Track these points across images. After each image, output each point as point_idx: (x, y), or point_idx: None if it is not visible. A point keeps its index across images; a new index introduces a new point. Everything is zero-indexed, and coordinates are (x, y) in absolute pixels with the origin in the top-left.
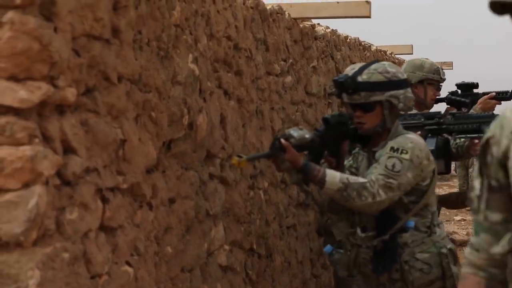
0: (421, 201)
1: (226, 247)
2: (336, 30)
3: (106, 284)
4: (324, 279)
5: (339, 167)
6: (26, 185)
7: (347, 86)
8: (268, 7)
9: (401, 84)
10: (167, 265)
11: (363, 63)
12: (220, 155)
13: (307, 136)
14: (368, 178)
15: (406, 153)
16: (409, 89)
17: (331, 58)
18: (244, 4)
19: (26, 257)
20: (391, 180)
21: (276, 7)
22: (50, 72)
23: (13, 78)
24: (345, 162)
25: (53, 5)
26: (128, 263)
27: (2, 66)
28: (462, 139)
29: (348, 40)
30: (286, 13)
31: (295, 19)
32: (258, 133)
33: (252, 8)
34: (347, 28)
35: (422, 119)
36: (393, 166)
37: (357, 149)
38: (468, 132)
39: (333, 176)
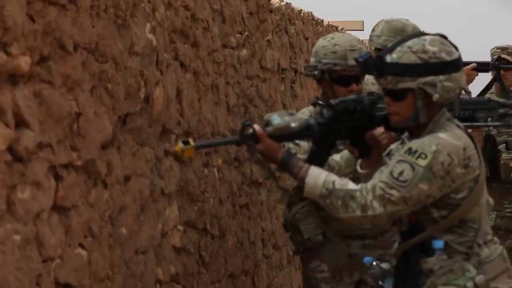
0: (453, 215)
1: (180, 227)
2: (290, 3)
3: (58, 268)
4: (275, 260)
5: (365, 159)
6: None
7: (370, 66)
8: None
9: (442, 68)
10: (121, 247)
11: (400, 36)
12: (175, 131)
13: (293, 124)
14: (363, 185)
15: (424, 158)
16: (455, 75)
17: (285, 32)
18: None
19: None
20: (392, 192)
21: None
22: (2, 38)
23: None
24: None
25: None
26: (81, 246)
27: None
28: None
29: (302, 14)
30: None
31: None
32: (213, 108)
33: None
34: (300, 1)
35: None
36: (401, 173)
37: (404, 136)
38: (460, 120)
39: (315, 177)
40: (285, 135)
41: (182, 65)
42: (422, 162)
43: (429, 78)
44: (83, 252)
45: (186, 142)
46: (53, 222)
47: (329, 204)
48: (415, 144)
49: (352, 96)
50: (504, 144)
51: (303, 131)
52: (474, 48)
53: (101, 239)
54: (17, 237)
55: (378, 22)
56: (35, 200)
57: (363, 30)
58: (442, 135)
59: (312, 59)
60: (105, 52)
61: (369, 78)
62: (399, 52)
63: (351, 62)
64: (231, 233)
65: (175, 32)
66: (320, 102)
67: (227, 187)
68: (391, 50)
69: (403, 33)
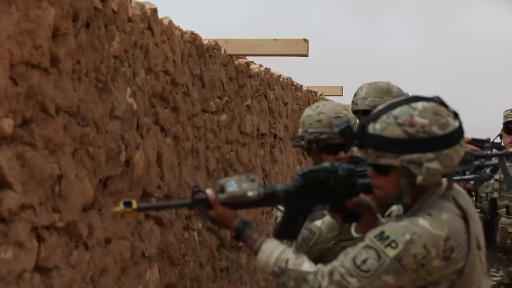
0: None
1: None
2: (269, 69)
3: None
4: None
5: (360, 222)
6: None
7: (348, 137)
8: (204, 42)
9: (431, 144)
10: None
11: (391, 99)
12: (156, 194)
13: (250, 193)
14: (320, 267)
15: (394, 248)
16: (447, 152)
17: (264, 97)
18: (182, 38)
19: None
20: (352, 280)
21: (213, 43)
22: None
23: None
24: None
25: None
26: None
27: None
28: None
29: (281, 79)
30: (222, 49)
31: (231, 55)
32: (193, 173)
33: (189, 42)
34: (280, 66)
35: None
36: (364, 261)
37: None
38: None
39: (268, 254)
40: (241, 203)
41: (162, 129)
42: (391, 252)
43: (414, 156)
44: None
45: (128, 204)
46: (35, 283)
47: (282, 284)
48: (389, 228)
49: (325, 165)
50: (505, 209)
51: (266, 199)
52: None
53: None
54: None
55: (361, 86)
56: (18, 260)
57: (342, 95)
58: (421, 221)
59: (299, 130)
60: (86, 116)
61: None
62: (383, 122)
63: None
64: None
65: (155, 97)
66: None
67: (207, 251)
68: (375, 118)
69: (390, 93)
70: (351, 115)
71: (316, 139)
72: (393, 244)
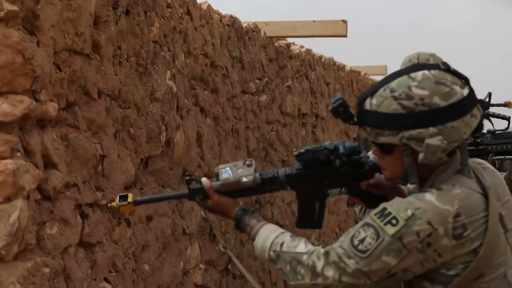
0: None
1: (202, 266)
2: (310, 50)
3: None
4: None
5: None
6: (8, 199)
7: (342, 115)
8: (244, 25)
9: (433, 117)
10: (144, 283)
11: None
12: (196, 174)
13: (245, 179)
14: (316, 248)
15: (395, 224)
16: (453, 124)
17: (305, 78)
18: (220, 21)
19: (7, 271)
20: (349, 262)
21: (252, 25)
22: (32, 86)
23: None
24: None
25: (36, 19)
26: (106, 280)
27: None
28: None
29: (323, 60)
30: (262, 31)
31: (270, 37)
32: (233, 152)
33: (228, 25)
34: (322, 47)
35: None
36: (362, 240)
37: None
38: (508, 153)
39: (264, 239)
40: (237, 190)
41: (202, 110)
42: (390, 230)
43: (414, 132)
44: (108, 286)
45: (123, 197)
46: (79, 257)
47: (279, 270)
48: (392, 204)
49: (324, 144)
50: None
51: (266, 185)
52: None
53: (124, 274)
54: (46, 270)
55: (404, 60)
56: (63, 235)
57: (386, 74)
58: (428, 196)
59: None
60: (127, 98)
61: None
62: (379, 97)
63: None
64: (252, 273)
65: (194, 79)
66: None
67: None
68: (373, 92)
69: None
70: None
71: None
72: (393, 221)
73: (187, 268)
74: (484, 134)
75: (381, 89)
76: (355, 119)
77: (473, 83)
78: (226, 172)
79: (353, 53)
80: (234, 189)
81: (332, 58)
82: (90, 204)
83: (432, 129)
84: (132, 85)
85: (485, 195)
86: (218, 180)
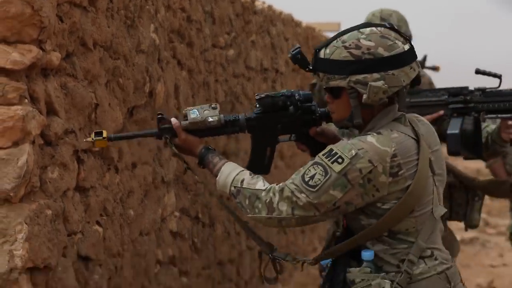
0: (377, 225)
1: (177, 213)
2: (271, 6)
3: (80, 242)
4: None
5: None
6: (16, 144)
7: (299, 62)
8: None
9: (377, 65)
10: (129, 227)
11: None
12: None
13: (210, 119)
14: (272, 185)
15: (341, 162)
16: (394, 72)
17: (267, 34)
18: None
19: (15, 212)
20: (301, 196)
21: None
22: (39, 36)
23: (4, 41)
24: None
25: None
26: (98, 223)
27: None
28: (492, 126)
29: (282, 16)
30: None
31: None
32: (204, 104)
33: None
34: (280, 3)
35: (446, 96)
36: (312, 177)
37: None
38: (500, 111)
39: (226, 175)
40: (203, 129)
41: (179, 63)
42: (337, 167)
43: (360, 77)
44: (100, 229)
45: (98, 133)
46: (75, 200)
47: (238, 204)
48: (337, 146)
49: (282, 91)
50: None
51: (228, 126)
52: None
53: (113, 218)
54: (49, 212)
55: (381, 12)
56: (63, 179)
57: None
58: (370, 138)
59: None
60: (117, 50)
61: (425, 81)
62: (332, 47)
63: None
64: (219, 222)
65: (173, 32)
66: None
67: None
68: (327, 44)
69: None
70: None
71: None
72: (339, 160)
73: (164, 215)
74: (472, 91)
75: (334, 41)
76: (311, 66)
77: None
78: (194, 113)
79: (308, 8)
80: (200, 128)
81: (291, 14)
82: (84, 150)
83: (375, 75)
84: (122, 37)
85: (417, 141)
86: (186, 120)
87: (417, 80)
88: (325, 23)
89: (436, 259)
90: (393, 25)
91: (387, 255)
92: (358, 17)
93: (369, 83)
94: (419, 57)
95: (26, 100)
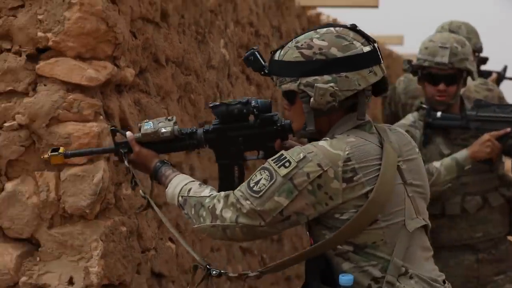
0: (333, 239)
1: None
2: (336, 19)
3: (153, 258)
4: None
5: None
6: (91, 160)
7: (251, 64)
8: None
9: (329, 66)
10: (201, 243)
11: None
12: None
13: (163, 130)
14: (219, 193)
15: (287, 166)
16: (348, 75)
17: None
18: None
19: (90, 229)
20: (245, 203)
21: None
22: (114, 52)
23: (79, 57)
24: None
25: None
26: (170, 240)
27: (70, 45)
28: None
29: None
30: (296, 1)
31: (303, 7)
32: None
33: None
34: (355, 19)
35: None
36: (257, 182)
37: None
38: None
39: (175, 185)
40: (156, 142)
41: (247, 78)
42: (283, 171)
43: (311, 79)
44: (172, 246)
45: (55, 150)
46: (149, 217)
47: (186, 215)
48: (289, 151)
49: (238, 99)
50: None
51: (185, 139)
52: None
53: (186, 234)
54: (123, 229)
55: (450, 24)
56: (136, 196)
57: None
58: (322, 142)
59: None
60: (189, 66)
61: (471, 85)
62: (286, 48)
63: (439, 59)
64: (287, 238)
65: (241, 47)
66: (423, 105)
67: None
68: (284, 45)
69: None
70: (464, 49)
71: (420, 66)
72: (286, 164)
73: None
74: None
75: (290, 42)
76: (266, 70)
77: None
78: (148, 125)
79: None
80: (154, 141)
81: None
82: None
83: (326, 77)
84: (193, 53)
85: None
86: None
87: (382, 86)
88: (388, 36)
89: (411, 277)
90: (356, 25)
91: (356, 274)
92: (421, 30)
93: (315, 84)
94: (499, 68)
95: (101, 117)
